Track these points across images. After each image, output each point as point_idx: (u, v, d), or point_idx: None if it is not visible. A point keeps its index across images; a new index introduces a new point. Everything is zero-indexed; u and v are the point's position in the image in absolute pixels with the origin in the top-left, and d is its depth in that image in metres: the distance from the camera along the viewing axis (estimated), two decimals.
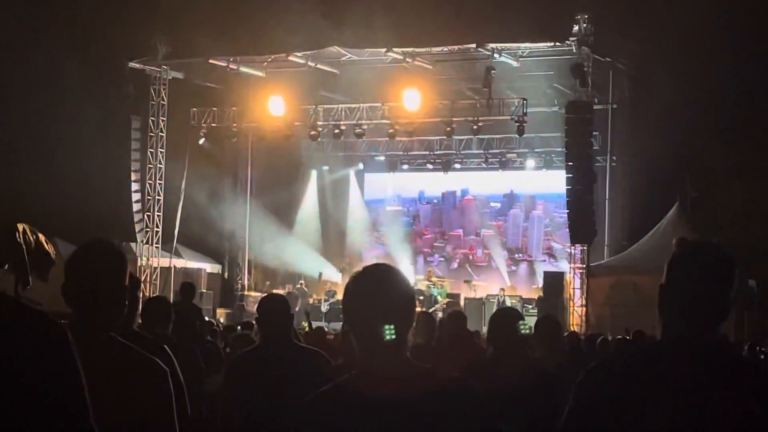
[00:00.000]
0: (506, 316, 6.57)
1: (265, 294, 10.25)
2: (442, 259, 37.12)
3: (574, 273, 29.79)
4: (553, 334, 8.35)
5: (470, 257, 36.82)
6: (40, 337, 2.62)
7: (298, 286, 33.92)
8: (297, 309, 28.91)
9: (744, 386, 3.25)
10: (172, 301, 11.88)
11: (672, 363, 3.28)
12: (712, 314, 3.35)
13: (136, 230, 32.87)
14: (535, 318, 25.79)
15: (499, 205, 36.87)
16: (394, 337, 3.41)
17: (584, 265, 29.27)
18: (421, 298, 31.26)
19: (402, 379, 3.45)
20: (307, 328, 17.04)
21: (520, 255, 36.20)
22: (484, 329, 26.10)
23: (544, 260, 35.16)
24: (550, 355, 8.04)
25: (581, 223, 28.43)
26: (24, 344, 2.58)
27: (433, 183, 37.45)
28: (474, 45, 29.25)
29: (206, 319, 21.78)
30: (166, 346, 5.81)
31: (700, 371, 3.26)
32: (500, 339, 6.37)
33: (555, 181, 32.10)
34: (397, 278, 3.56)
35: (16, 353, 2.56)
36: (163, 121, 33.31)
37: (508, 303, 30.07)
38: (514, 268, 35.90)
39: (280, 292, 30.28)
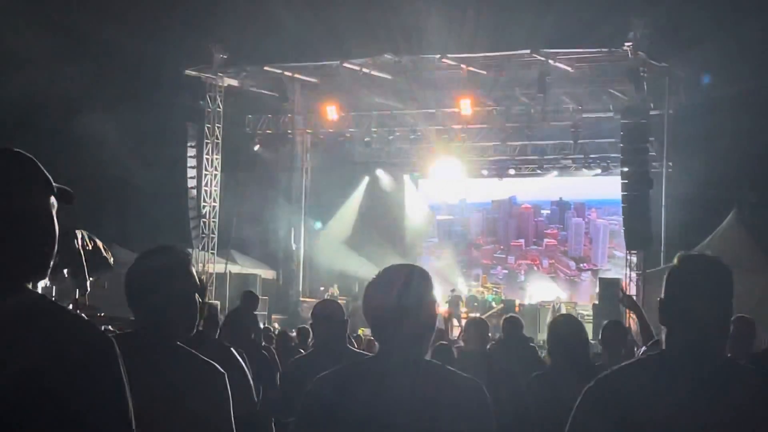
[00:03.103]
0: (566, 323, 6.47)
1: (320, 300, 10.29)
2: (506, 271, 36.76)
3: (630, 279, 29.59)
4: (618, 340, 8.27)
5: (535, 268, 36.52)
6: (84, 347, 2.60)
7: (355, 292, 33.96)
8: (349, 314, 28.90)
9: (750, 396, 3.26)
10: (227, 307, 11.99)
11: (675, 375, 3.31)
12: (712, 325, 3.36)
13: (192, 236, 33.11)
14: (591, 325, 25.63)
15: (548, 212, 36.66)
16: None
17: (640, 271, 29.05)
18: (475, 304, 31.21)
19: (414, 375, 3.47)
20: (363, 334, 17.09)
21: (585, 264, 35.93)
22: (539, 336, 26.08)
23: (609, 269, 34.82)
24: (615, 361, 7.98)
25: (637, 228, 28.22)
26: (67, 355, 2.56)
27: (477, 190, 37.27)
28: (528, 51, 29.16)
29: (264, 325, 21.90)
30: (233, 349, 5.87)
31: (705, 383, 3.28)
32: (560, 346, 6.29)
33: (607, 188, 31.87)
34: (416, 279, 3.59)
35: (59, 363, 2.54)
36: (218, 127, 33.54)
37: (563, 310, 29.94)
38: (584, 277, 35.57)
39: (332, 296, 30.36)
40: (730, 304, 3.39)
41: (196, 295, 3.96)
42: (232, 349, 5.93)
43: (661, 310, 3.45)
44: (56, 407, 2.52)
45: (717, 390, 3.26)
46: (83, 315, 2.77)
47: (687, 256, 3.50)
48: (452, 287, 32.67)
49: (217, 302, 18.07)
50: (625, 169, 28.34)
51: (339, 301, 8.32)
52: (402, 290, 3.55)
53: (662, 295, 3.45)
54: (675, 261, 3.49)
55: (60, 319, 2.62)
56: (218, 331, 7.81)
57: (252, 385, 5.74)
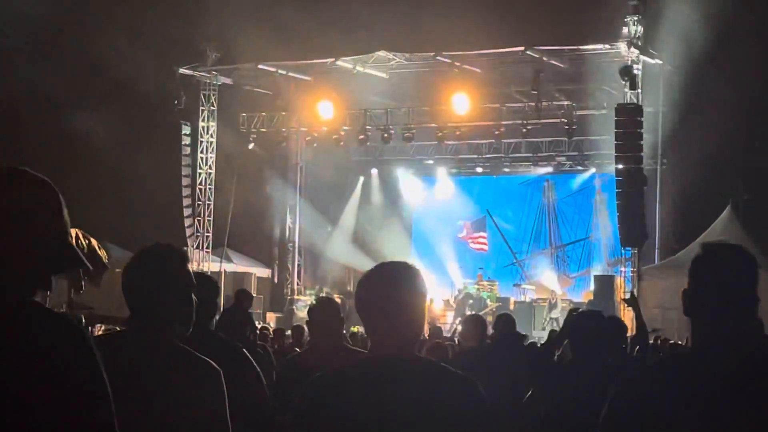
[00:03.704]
0: (587, 317, 6.37)
1: (315, 298, 10.30)
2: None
3: (625, 276, 29.64)
4: (619, 337, 8.27)
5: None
6: (58, 341, 2.63)
7: (348, 290, 33.96)
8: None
9: None
10: (222, 305, 11.97)
11: (707, 369, 3.26)
12: (739, 315, 3.31)
13: (187, 235, 33.09)
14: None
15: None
16: None
17: (635, 269, 29.10)
18: (471, 301, 31.24)
19: (408, 373, 3.47)
20: (357, 331, 17.09)
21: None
22: (534, 333, 26.12)
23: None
24: (615, 357, 7.98)
25: (631, 226, 28.25)
26: (41, 350, 2.59)
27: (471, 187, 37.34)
28: (522, 48, 29.16)
29: (261, 324, 21.92)
30: (243, 348, 5.87)
31: (735, 375, 3.23)
32: (579, 341, 6.19)
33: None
34: (407, 276, 3.59)
35: (32, 357, 2.56)
36: (212, 126, 33.52)
37: (559, 305, 30.00)
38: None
39: (328, 294, 30.38)
40: (756, 294, 3.33)
41: (193, 293, 3.96)
42: (239, 344, 5.93)
43: (687, 302, 3.39)
44: (30, 405, 2.54)
45: (751, 382, 3.21)
46: (65, 313, 2.79)
47: (712, 246, 3.46)
48: (460, 286, 32.90)
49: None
50: (620, 166, 28.37)
51: (334, 299, 8.30)
52: (393, 287, 3.55)
53: (687, 286, 3.39)
54: (699, 250, 3.44)
55: (36, 319, 2.65)
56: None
57: (263, 380, 5.76)
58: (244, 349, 5.75)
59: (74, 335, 2.68)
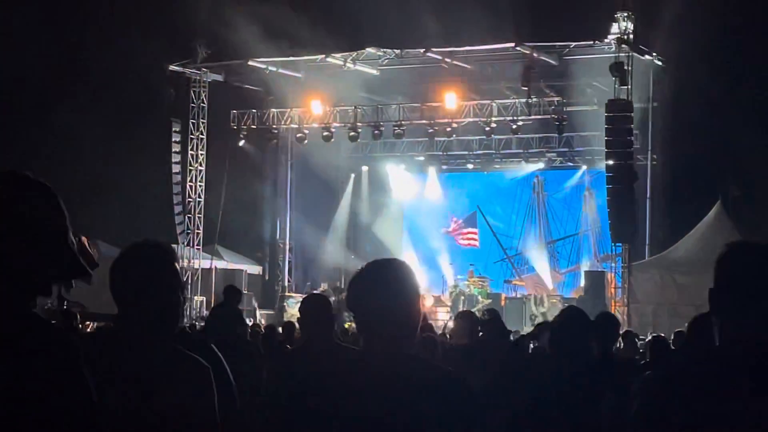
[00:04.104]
0: (574, 317, 6.31)
1: (306, 295, 10.28)
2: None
3: (615, 272, 29.69)
4: (613, 333, 8.24)
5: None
6: (47, 352, 2.63)
7: (337, 285, 33.95)
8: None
9: None
10: (213, 302, 11.95)
11: (736, 367, 3.23)
12: (766, 314, 3.28)
13: (177, 232, 33.06)
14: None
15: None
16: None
17: (625, 264, 29.15)
18: (462, 298, 31.24)
19: (396, 368, 3.47)
20: (350, 327, 17.08)
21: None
22: (525, 329, 26.11)
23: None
24: (610, 354, 7.96)
25: (622, 221, 28.29)
26: (30, 360, 2.59)
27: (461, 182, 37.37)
28: (512, 44, 29.18)
29: (253, 321, 21.90)
30: (212, 345, 5.86)
31: (763, 374, 3.20)
32: (566, 340, 6.12)
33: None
34: (399, 273, 3.59)
35: (22, 368, 2.56)
36: (203, 123, 33.48)
37: (546, 301, 30.05)
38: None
39: (321, 292, 30.37)
40: None
41: (180, 291, 3.95)
42: (212, 346, 5.91)
43: (713, 301, 3.35)
44: (22, 409, 2.53)
45: None
46: (53, 321, 2.79)
47: (738, 244, 3.41)
48: (451, 283, 32.96)
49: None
50: (610, 162, 28.41)
51: (326, 296, 8.30)
52: (384, 285, 3.55)
53: (714, 285, 3.35)
54: (725, 248, 3.39)
55: (28, 333, 2.64)
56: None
57: (233, 384, 5.73)
58: (214, 348, 5.73)
59: (63, 352, 2.67)
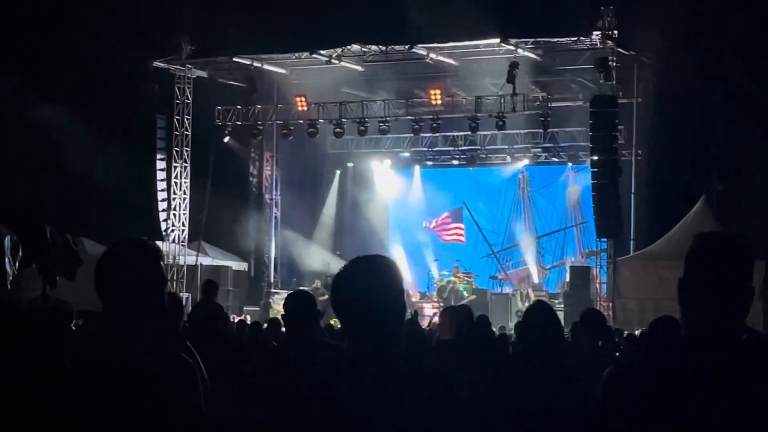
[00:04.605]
0: (540, 311, 6.31)
1: (292, 291, 10.27)
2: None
3: (601, 267, 29.76)
4: (598, 328, 8.25)
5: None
6: (25, 343, 2.63)
7: (328, 282, 33.93)
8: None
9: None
10: (199, 299, 11.92)
11: (700, 359, 3.25)
12: (734, 305, 3.31)
13: (162, 229, 33.00)
14: (563, 313, 25.75)
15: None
16: None
17: (610, 259, 29.21)
18: (447, 293, 31.27)
19: (380, 366, 3.47)
20: (335, 324, 17.07)
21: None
22: (510, 325, 26.14)
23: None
24: (594, 348, 7.97)
25: (607, 217, 28.36)
26: (11, 351, 2.58)
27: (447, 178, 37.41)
28: (497, 40, 29.21)
29: (239, 318, 21.86)
30: (188, 343, 5.85)
31: (729, 365, 3.23)
32: (532, 335, 6.13)
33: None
34: (383, 270, 3.58)
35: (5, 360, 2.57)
36: (188, 119, 33.42)
37: (532, 297, 30.06)
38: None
39: (313, 289, 30.38)
40: (750, 286, 3.33)
41: (164, 288, 3.95)
42: (187, 343, 5.90)
43: (681, 292, 3.37)
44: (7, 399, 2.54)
45: (740, 373, 3.21)
46: (35, 318, 2.77)
47: (708, 235, 3.44)
48: (437, 278, 33.00)
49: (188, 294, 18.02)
50: (595, 158, 28.48)
51: (310, 293, 8.28)
52: (367, 282, 3.53)
53: (682, 275, 3.37)
54: (695, 240, 3.42)
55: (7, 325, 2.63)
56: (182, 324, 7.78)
57: (200, 386, 5.71)
58: (189, 346, 5.72)
59: (43, 349, 2.66)
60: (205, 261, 33.87)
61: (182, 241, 33.38)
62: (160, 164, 33.14)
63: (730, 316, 3.29)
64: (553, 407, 5.56)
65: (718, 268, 3.31)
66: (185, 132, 33.40)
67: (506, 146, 35.05)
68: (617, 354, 11.69)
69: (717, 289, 3.28)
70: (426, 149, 36.38)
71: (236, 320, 19.66)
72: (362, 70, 32.49)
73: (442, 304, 28.13)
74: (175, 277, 32.42)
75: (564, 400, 5.50)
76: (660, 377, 3.26)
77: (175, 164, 33.31)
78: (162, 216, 33.13)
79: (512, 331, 19.92)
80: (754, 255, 3.36)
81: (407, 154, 37.03)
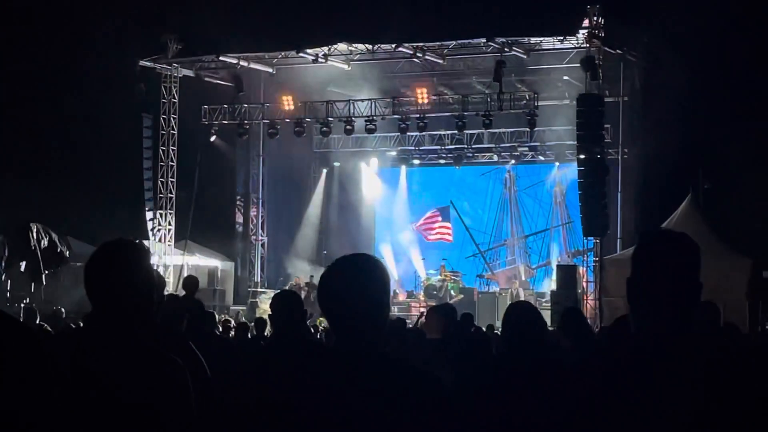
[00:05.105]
0: (521, 310, 6.30)
1: (278, 291, 10.26)
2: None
3: (587, 266, 29.80)
4: (580, 326, 8.25)
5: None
6: (11, 346, 2.62)
7: (311, 281, 33.92)
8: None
9: (717, 374, 3.24)
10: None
11: (647, 357, 3.27)
12: (679, 302, 3.32)
13: (149, 228, 32.95)
14: (549, 311, 25.76)
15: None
16: None
17: (597, 258, 29.25)
18: (434, 292, 31.30)
19: (367, 365, 3.47)
20: (321, 323, 17.07)
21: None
22: (497, 324, 26.16)
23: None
24: (578, 346, 7.97)
25: (593, 216, 28.40)
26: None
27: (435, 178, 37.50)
28: (484, 39, 29.24)
29: (224, 316, 21.83)
30: (191, 343, 5.84)
31: (675, 363, 3.24)
32: (513, 334, 6.14)
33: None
34: (369, 268, 3.58)
35: None
36: (174, 118, 33.36)
37: (522, 297, 30.08)
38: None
39: (292, 286, 30.36)
40: (697, 282, 3.34)
41: (153, 289, 3.94)
42: (189, 343, 5.90)
43: (628, 290, 3.39)
44: None
45: (686, 373, 3.23)
46: (12, 317, 2.76)
47: (651, 233, 3.46)
48: (424, 277, 33.04)
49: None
50: (581, 157, 28.51)
51: (297, 292, 8.29)
52: (354, 281, 3.53)
53: (629, 275, 3.39)
54: (639, 239, 3.45)
55: None
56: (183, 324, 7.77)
57: (210, 379, 5.71)
58: (192, 346, 5.72)
59: (30, 349, 2.66)
60: (192, 260, 33.84)
61: (169, 241, 33.32)
62: (147, 163, 33.08)
63: (675, 314, 3.30)
64: (535, 406, 5.56)
65: (661, 266, 3.32)
66: (171, 131, 33.34)
67: (493, 145, 35.09)
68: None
69: (661, 287, 3.29)
70: (413, 148, 36.41)
71: (222, 319, 19.62)
72: (349, 69, 32.48)
73: (430, 303, 28.13)
74: None
75: (545, 399, 5.50)
76: (609, 377, 3.28)
77: (162, 163, 33.25)
78: (148, 215, 33.08)
79: (499, 330, 20.03)
80: (699, 252, 3.37)
81: (394, 153, 37.06)
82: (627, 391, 3.23)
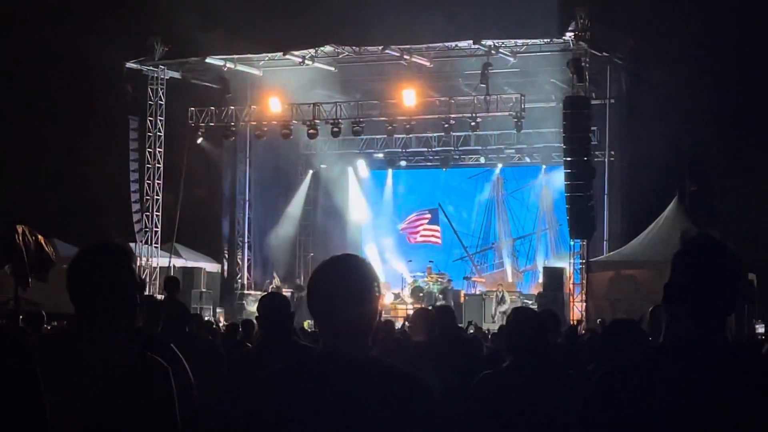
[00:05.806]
0: (527, 318, 6.12)
1: (265, 293, 10.25)
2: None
3: (574, 268, 29.83)
4: (553, 327, 8.27)
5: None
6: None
7: (297, 283, 33.90)
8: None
9: (757, 383, 3.22)
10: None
11: (683, 364, 3.25)
12: (719, 311, 3.31)
13: (136, 230, 32.86)
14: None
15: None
16: None
17: (584, 260, 29.29)
18: (421, 294, 31.29)
19: (354, 368, 3.45)
20: (308, 326, 17.04)
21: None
22: (485, 326, 26.19)
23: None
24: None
25: (580, 218, 28.43)
26: None
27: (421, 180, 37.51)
28: (470, 41, 29.27)
29: (206, 318, 21.78)
30: (173, 345, 5.82)
31: (712, 371, 3.23)
32: (522, 344, 5.94)
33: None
34: (358, 270, 3.57)
35: None
36: (161, 120, 33.29)
37: (507, 299, 30.09)
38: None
39: (276, 288, 30.34)
40: (739, 292, 3.33)
41: (137, 292, 3.92)
42: (172, 345, 5.87)
43: (667, 295, 3.36)
44: None
45: (724, 378, 3.21)
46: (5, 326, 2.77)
47: (699, 239, 3.42)
48: (410, 280, 33.03)
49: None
50: (568, 159, 28.54)
51: (284, 294, 8.28)
52: (343, 282, 3.52)
53: (669, 279, 3.36)
54: (682, 244, 3.41)
55: None
56: (160, 327, 7.74)
57: (192, 382, 5.68)
58: (174, 348, 5.69)
59: (13, 353, 2.65)
60: (179, 262, 33.77)
61: (155, 243, 33.25)
62: (133, 165, 32.99)
63: (713, 321, 3.30)
64: (544, 412, 5.54)
65: (706, 272, 3.30)
66: (158, 133, 33.27)
67: (480, 147, 35.11)
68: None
69: (704, 293, 3.28)
70: (400, 150, 36.38)
71: (206, 321, 19.56)
72: (336, 71, 32.47)
73: (416, 306, 28.11)
74: (148, 279, 32.25)
75: (555, 406, 5.45)
76: (645, 381, 3.25)
77: (148, 165, 33.17)
78: (135, 217, 33.00)
79: (488, 332, 20.04)
80: (741, 261, 3.36)
81: (381, 155, 37.04)
82: (673, 395, 3.20)
